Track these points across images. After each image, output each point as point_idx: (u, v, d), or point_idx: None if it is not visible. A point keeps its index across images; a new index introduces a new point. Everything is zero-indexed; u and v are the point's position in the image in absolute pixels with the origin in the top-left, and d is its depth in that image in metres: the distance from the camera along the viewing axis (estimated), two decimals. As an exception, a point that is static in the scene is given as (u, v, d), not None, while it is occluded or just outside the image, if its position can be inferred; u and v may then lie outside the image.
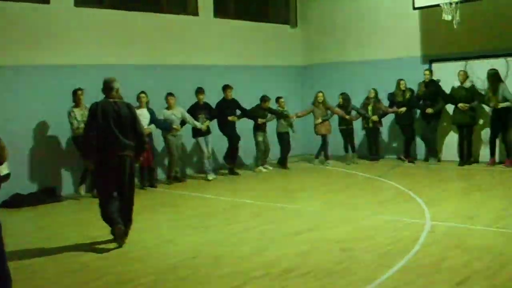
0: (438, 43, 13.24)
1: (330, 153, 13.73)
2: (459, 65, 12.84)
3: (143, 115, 10.59)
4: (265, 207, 9.14)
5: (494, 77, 11.99)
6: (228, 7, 14.51)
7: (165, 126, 11.50)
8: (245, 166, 13.62)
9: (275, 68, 15.04)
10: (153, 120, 11.17)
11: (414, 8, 12.52)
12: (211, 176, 12.10)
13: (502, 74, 12.12)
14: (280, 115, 13.11)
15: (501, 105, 11.84)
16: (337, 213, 8.49)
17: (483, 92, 12.31)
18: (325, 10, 15.28)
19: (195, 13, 13.45)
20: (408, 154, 13.40)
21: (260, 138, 12.92)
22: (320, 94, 13.35)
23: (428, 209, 8.32)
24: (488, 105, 12.20)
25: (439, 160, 13.22)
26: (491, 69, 12.09)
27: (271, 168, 13.19)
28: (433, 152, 13.19)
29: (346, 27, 14.89)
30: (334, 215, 8.40)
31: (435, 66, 13.39)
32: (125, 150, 6.96)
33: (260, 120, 12.80)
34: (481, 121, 12.76)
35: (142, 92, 11.22)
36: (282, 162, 13.43)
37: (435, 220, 7.67)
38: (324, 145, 13.52)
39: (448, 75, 12.73)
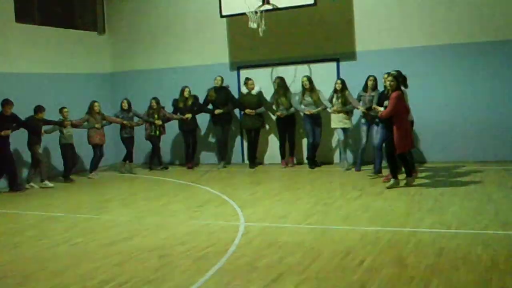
0: (246, 50, 13.65)
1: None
2: (267, 72, 13.38)
3: None
4: (77, 220, 8.72)
5: (283, 85, 12.84)
6: (31, 12, 13.63)
7: None
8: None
9: (82, 75, 14.47)
10: None
11: (222, 16, 12.76)
12: None
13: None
14: (58, 124, 12.32)
15: (287, 112, 12.74)
16: (152, 221, 8.35)
17: (295, 97, 12.86)
18: (133, 17, 15.03)
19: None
20: (191, 160, 13.79)
21: (39, 151, 11.99)
22: (96, 104, 12.89)
23: (242, 212, 8.50)
24: (276, 111, 12.93)
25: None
26: (278, 77, 12.94)
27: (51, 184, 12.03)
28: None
29: (153, 34, 14.78)
30: (150, 223, 8.24)
31: (243, 72, 13.76)
32: None
33: (43, 132, 12.01)
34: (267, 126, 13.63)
35: None
36: (65, 176, 12.57)
37: (249, 222, 7.85)
38: (94, 157, 13.08)
39: (259, 81, 13.22)
